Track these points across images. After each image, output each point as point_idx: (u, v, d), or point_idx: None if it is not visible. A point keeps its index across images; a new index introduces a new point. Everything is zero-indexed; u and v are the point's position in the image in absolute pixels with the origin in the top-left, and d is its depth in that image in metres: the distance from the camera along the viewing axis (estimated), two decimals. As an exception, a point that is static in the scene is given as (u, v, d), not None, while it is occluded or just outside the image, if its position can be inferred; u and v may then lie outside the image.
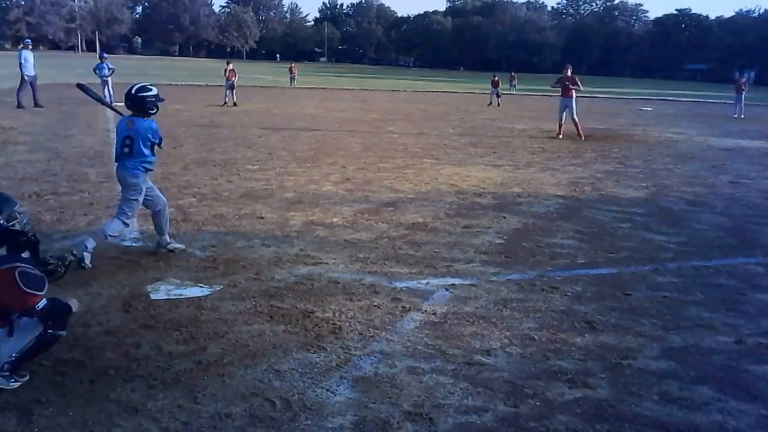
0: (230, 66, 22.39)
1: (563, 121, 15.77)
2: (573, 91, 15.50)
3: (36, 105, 17.88)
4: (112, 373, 3.38)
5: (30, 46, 19.32)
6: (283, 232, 6.32)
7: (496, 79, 28.98)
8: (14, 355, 3.18)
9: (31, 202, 7.10)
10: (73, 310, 3.44)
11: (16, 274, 3.07)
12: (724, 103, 38.60)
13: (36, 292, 3.13)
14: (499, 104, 27.95)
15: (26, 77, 17.91)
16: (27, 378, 3.24)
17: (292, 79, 37.42)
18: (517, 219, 7.25)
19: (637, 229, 7.03)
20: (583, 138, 15.37)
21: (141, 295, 4.49)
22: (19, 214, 3.36)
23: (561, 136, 15.60)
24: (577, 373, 3.62)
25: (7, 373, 3.18)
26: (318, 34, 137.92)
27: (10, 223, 3.28)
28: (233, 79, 22.21)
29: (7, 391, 3.16)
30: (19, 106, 17.52)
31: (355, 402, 3.23)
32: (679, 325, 4.41)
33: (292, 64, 40.07)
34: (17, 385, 3.19)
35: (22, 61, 17.77)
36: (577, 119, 15.63)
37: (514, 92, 40.31)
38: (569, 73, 15.80)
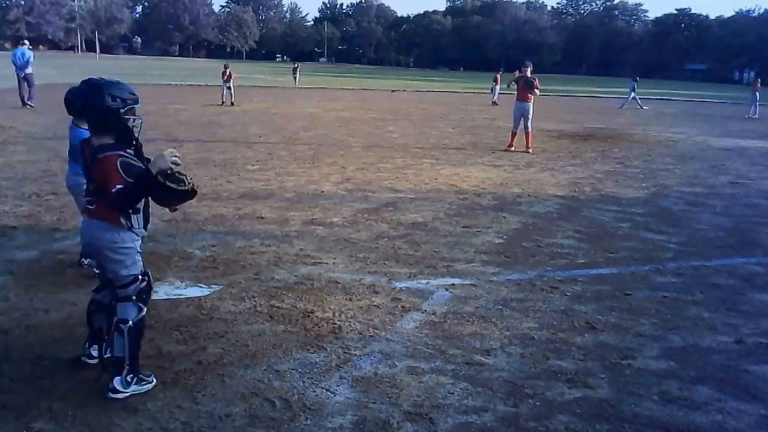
0: (228, 68, 22.80)
1: None
2: None
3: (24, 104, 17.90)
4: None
5: (27, 44, 19.12)
6: (283, 232, 6.32)
7: (498, 76, 29.07)
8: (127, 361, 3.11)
9: (31, 202, 7.11)
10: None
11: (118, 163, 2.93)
12: (724, 102, 38.63)
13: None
14: (495, 103, 28.07)
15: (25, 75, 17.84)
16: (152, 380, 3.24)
17: (295, 78, 38.09)
18: (517, 219, 7.25)
19: (637, 229, 7.03)
20: None
21: (141, 295, 4.49)
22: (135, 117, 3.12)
23: None
24: (577, 373, 3.62)
25: (131, 376, 3.14)
26: (318, 34, 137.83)
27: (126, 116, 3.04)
28: (230, 80, 22.51)
29: (6, 391, 3.16)
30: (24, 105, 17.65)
31: (355, 402, 3.23)
32: (679, 325, 4.42)
33: (297, 65, 40.88)
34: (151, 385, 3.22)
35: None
36: None
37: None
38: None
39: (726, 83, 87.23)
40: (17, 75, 18.09)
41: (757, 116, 26.14)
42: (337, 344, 3.86)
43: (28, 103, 17.88)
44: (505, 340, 4.03)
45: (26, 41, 20.54)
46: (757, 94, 27.33)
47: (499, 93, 28.62)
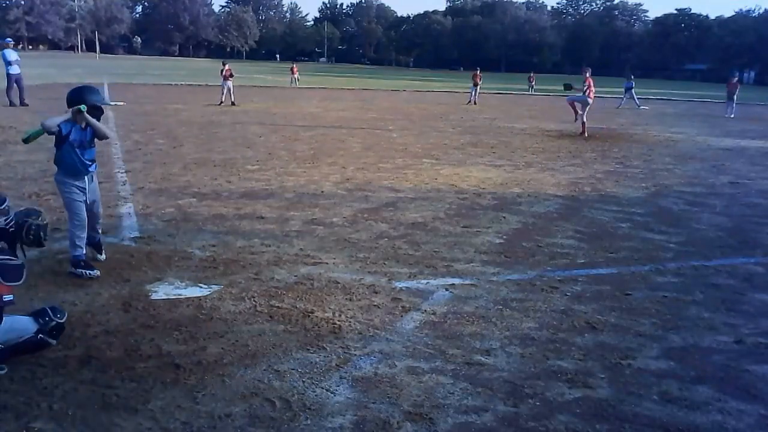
0: (226, 66, 22.72)
1: None
2: None
3: (22, 104, 17.86)
4: (112, 373, 3.39)
5: (12, 45, 19.37)
6: (283, 232, 6.32)
7: (478, 73, 29.07)
8: (1, 345, 3.33)
9: (30, 202, 7.10)
10: (52, 343, 3.55)
11: None
12: (724, 102, 38.61)
13: (6, 283, 3.29)
14: (475, 102, 28.13)
15: (11, 76, 17.99)
16: (5, 371, 3.33)
17: (294, 79, 37.38)
18: (517, 219, 7.25)
19: (637, 229, 7.03)
20: None
21: (141, 295, 4.49)
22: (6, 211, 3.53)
23: None
24: (577, 373, 3.62)
25: None
26: (318, 34, 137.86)
27: None
28: (230, 78, 22.42)
29: (6, 391, 3.16)
30: (11, 104, 17.71)
31: (354, 402, 3.23)
32: (679, 325, 4.42)
33: (294, 65, 40.05)
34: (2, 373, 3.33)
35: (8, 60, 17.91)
36: None
37: (533, 93, 40.64)
38: None
39: (726, 83, 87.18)
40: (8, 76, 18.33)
41: (732, 116, 26.47)
42: (337, 344, 3.86)
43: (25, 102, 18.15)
44: (505, 340, 4.03)
45: (10, 40, 20.83)
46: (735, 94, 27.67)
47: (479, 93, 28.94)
